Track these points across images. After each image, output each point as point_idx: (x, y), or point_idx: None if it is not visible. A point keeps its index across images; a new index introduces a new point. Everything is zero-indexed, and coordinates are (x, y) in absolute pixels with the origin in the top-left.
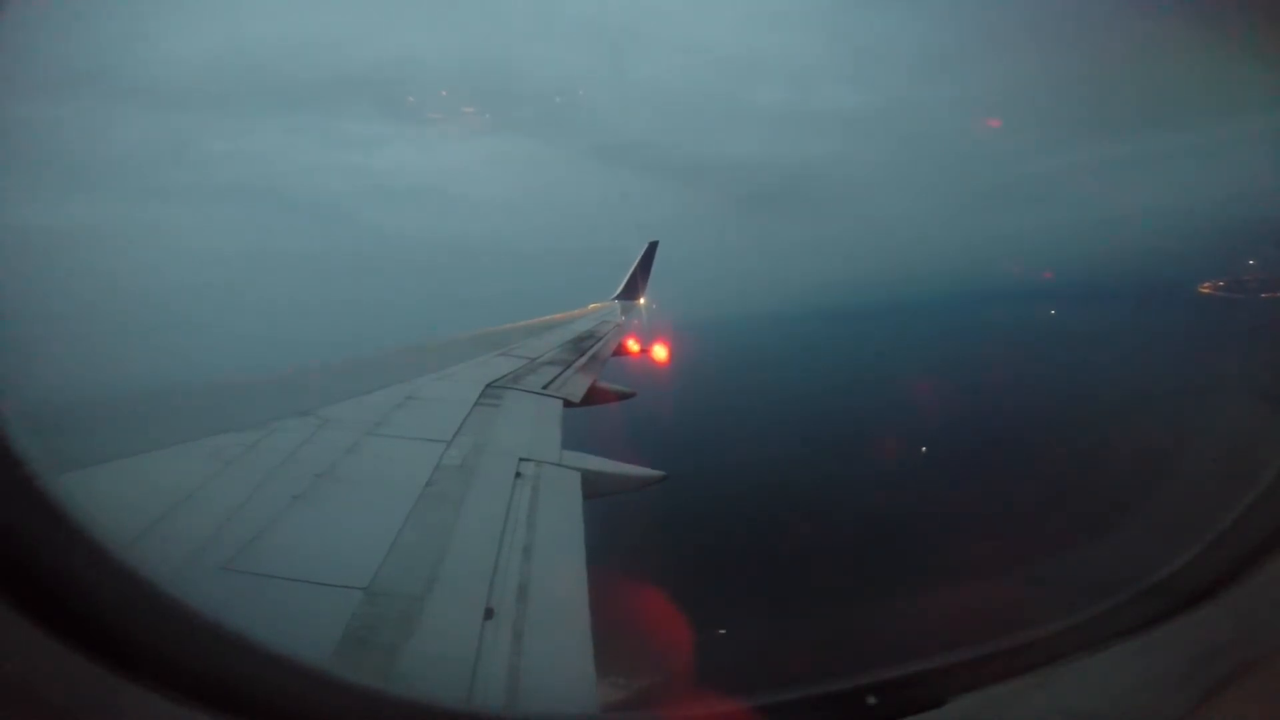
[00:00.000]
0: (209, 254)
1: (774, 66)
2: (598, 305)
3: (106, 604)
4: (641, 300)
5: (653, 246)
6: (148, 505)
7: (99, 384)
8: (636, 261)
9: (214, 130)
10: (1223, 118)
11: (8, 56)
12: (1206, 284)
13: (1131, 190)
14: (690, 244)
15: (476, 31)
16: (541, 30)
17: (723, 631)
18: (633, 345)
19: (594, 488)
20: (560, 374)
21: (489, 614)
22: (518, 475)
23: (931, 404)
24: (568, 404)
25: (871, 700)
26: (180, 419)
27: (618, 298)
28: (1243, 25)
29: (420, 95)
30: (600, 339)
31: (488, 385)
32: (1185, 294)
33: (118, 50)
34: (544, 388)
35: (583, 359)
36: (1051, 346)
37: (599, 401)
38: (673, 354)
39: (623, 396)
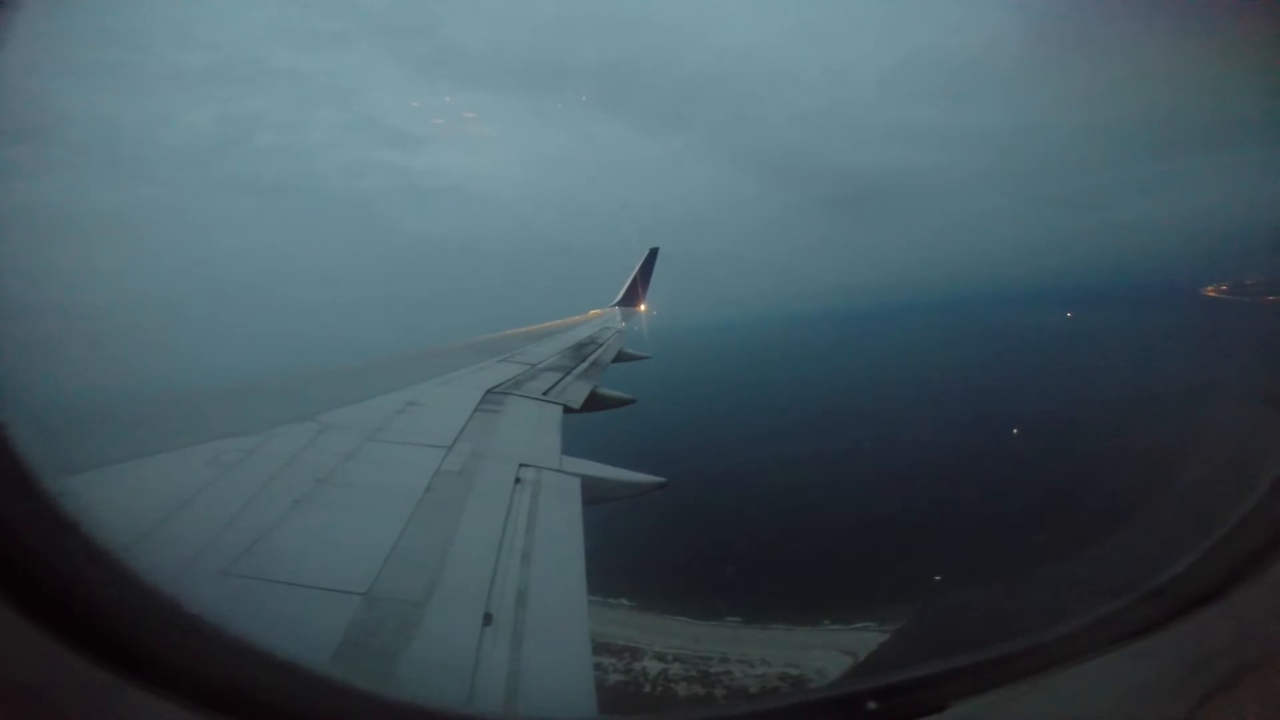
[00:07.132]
0: (241, 251)
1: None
2: (598, 311)
3: (107, 607)
4: (642, 307)
5: (653, 253)
6: (149, 509)
7: (107, 385)
8: (637, 268)
9: (267, 124)
10: (1236, 143)
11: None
12: (1211, 287)
13: (1140, 198)
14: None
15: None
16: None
17: (938, 578)
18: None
19: (594, 494)
20: (560, 380)
21: (488, 619)
22: (517, 481)
23: (941, 404)
24: (568, 410)
25: (871, 705)
26: (182, 424)
27: (618, 304)
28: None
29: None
30: (601, 345)
31: (488, 391)
32: (1191, 297)
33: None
34: (544, 394)
35: (583, 365)
36: (1062, 348)
37: (599, 408)
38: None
39: (623, 403)
